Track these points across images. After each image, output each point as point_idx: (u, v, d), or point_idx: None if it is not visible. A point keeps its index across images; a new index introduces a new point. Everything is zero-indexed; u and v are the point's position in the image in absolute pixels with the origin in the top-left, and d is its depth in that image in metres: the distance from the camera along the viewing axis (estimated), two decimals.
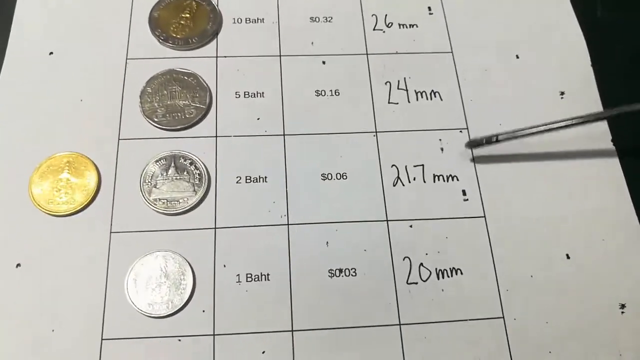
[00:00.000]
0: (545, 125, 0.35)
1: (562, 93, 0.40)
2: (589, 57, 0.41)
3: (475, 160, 0.37)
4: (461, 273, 0.34)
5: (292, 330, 0.32)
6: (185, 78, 0.39)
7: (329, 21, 0.41)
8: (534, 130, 0.35)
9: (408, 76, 0.40)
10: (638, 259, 0.35)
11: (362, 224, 0.35)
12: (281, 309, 0.33)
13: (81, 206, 0.35)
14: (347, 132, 0.38)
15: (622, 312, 0.34)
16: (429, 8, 0.42)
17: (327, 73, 0.40)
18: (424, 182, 0.37)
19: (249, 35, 0.41)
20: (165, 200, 0.35)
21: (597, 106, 0.39)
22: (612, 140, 0.38)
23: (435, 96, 0.39)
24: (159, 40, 0.40)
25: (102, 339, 0.32)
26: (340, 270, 0.34)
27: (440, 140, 0.38)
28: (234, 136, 0.37)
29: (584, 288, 0.34)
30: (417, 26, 0.42)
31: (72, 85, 0.38)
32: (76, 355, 0.31)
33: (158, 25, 0.40)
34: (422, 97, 0.39)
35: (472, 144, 0.37)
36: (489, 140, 0.36)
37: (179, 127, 0.37)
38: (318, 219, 0.35)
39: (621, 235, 0.36)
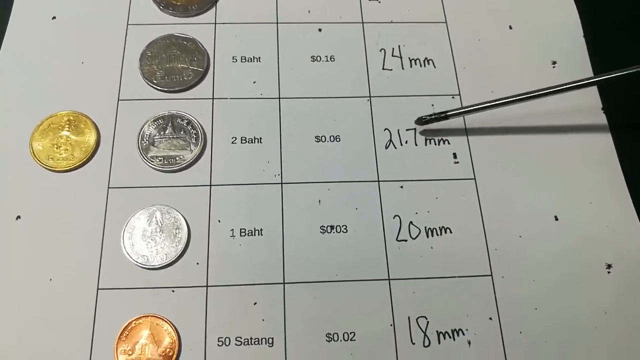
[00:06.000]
0: (497, 100, 0.36)
1: (554, 62, 0.40)
2: (581, 28, 0.42)
3: (467, 124, 0.38)
4: (450, 232, 0.35)
5: (284, 283, 0.33)
6: (184, 43, 0.39)
7: None
8: (483, 105, 0.36)
9: (402, 44, 0.41)
10: (624, 221, 0.36)
11: (354, 184, 0.36)
12: (273, 262, 0.34)
13: (80, 162, 0.36)
14: (341, 97, 0.39)
15: (609, 272, 0.34)
16: None
17: (323, 40, 0.40)
18: (416, 145, 0.37)
19: (248, 3, 0.41)
20: (162, 158, 0.36)
21: (587, 75, 0.40)
22: (603, 109, 0.39)
23: (428, 63, 0.40)
24: (159, 7, 0.41)
25: (97, 289, 0.33)
26: (332, 227, 0.35)
27: (432, 105, 0.39)
28: (230, 98, 0.38)
29: (571, 248, 0.35)
30: None
31: (74, 48, 0.39)
32: (72, 303, 0.32)
33: None
34: (415, 64, 0.40)
35: (420, 120, 0.37)
36: (437, 118, 0.36)
37: (177, 88, 0.38)
38: (311, 179, 0.36)
39: (608, 199, 0.36)
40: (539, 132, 0.38)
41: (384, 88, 0.39)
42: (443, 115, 0.36)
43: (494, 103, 0.36)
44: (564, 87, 0.35)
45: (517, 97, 0.35)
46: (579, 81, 0.34)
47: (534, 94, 0.35)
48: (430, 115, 0.37)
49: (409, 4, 0.42)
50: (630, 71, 0.34)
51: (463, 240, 0.35)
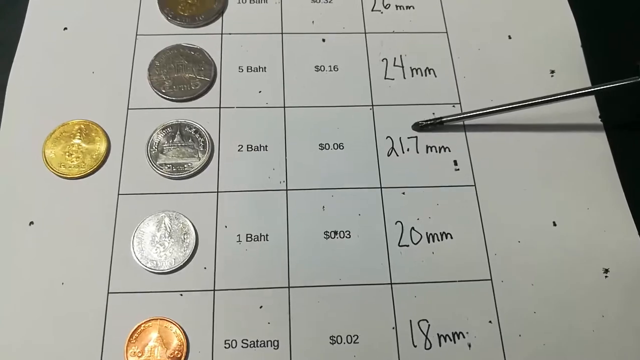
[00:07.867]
0: (491, 108, 0.37)
1: (552, 71, 0.41)
2: (578, 38, 0.43)
3: (467, 132, 0.39)
4: (451, 237, 0.36)
5: (289, 287, 0.34)
6: (192, 53, 0.41)
7: (329, 2, 0.43)
8: (478, 112, 0.37)
9: (404, 54, 0.42)
10: (621, 226, 0.36)
11: (357, 191, 0.37)
12: (278, 267, 0.35)
13: (91, 169, 0.37)
14: (344, 105, 0.40)
15: (606, 277, 0.35)
16: None
17: (327, 50, 0.41)
18: (417, 152, 0.38)
19: (253, 14, 0.43)
20: (171, 165, 0.37)
21: (585, 84, 0.41)
22: (600, 116, 0.40)
23: (429, 73, 0.41)
24: (167, 18, 0.42)
25: (108, 292, 0.34)
26: (335, 233, 0.36)
27: (433, 114, 0.39)
28: (236, 107, 0.39)
29: (569, 253, 0.36)
30: (413, 8, 0.44)
31: (85, 58, 0.40)
32: (84, 306, 0.33)
33: (166, 3, 0.42)
34: (417, 73, 0.41)
35: (417, 126, 0.38)
36: (434, 123, 0.38)
37: (184, 98, 0.39)
38: (315, 185, 0.37)
39: (605, 204, 0.37)
40: (537, 140, 0.39)
41: (386, 97, 0.40)
42: (438, 122, 0.37)
43: (489, 110, 0.37)
44: (559, 96, 0.36)
45: (513, 105, 0.37)
46: (574, 91, 0.36)
47: (527, 102, 0.36)
48: (427, 120, 0.38)
49: (410, 14, 0.43)
50: (627, 82, 0.35)
51: (463, 246, 0.36)
